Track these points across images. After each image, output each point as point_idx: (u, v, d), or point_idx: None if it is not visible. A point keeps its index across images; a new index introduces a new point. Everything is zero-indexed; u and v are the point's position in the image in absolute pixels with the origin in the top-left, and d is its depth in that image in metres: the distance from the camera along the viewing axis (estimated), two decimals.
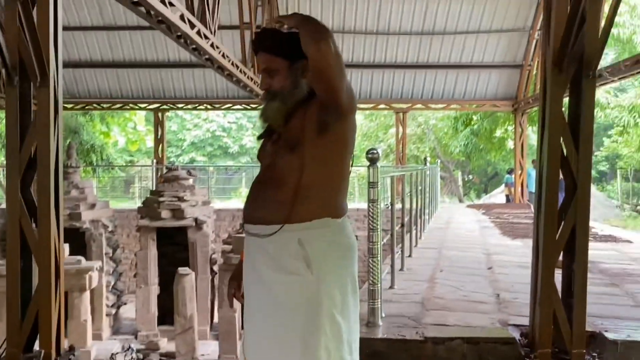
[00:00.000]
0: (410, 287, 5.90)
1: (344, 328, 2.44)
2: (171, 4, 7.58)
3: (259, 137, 2.62)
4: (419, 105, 20.15)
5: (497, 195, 26.86)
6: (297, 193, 2.43)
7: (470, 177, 37.05)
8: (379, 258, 4.41)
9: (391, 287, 5.77)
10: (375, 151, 4.34)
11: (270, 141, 2.56)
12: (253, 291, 2.53)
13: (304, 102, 2.50)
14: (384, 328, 4.34)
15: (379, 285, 4.41)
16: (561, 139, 3.99)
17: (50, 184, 4.29)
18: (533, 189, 17.75)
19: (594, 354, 4.19)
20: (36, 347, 4.31)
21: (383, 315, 4.56)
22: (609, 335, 4.29)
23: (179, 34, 8.64)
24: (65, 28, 16.48)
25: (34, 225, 4.32)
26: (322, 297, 2.41)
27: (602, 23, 4.00)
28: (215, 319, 13.29)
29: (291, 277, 2.41)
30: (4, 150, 15.77)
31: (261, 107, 2.58)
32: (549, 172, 4.01)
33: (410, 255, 7.70)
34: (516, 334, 4.32)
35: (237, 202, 24.73)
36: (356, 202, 21.23)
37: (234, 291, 2.74)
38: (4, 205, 13.08)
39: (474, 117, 24.17)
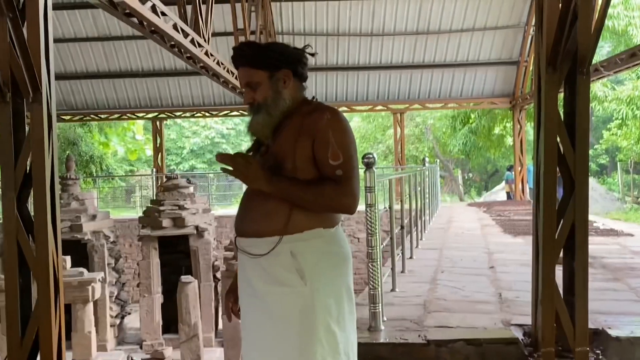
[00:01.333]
0: (412, 289, 5.87)
1: (340, 338, 2.42)
2: (163, 14, 7.57)
3: (247, 151, 2.60)
4: (416, 105, 20.13)
5: (498, 193, 26.82)
6: (288, 206, 2.41)
7: (470, 175, 37.03)
8: (378, 262, 4.39)
9: (392, 289, 5.74)
10: (371, 156, 4.32)
11: (259, 154, 2.54)
12: (248, 304, 2.51)
13: (290, 113, 2.49)
14: (386, 332, 4.31)
15: (379, 289, 4.38)
16: (557, 137, 3.96)
17: (47, 200, 4.27)
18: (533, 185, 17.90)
19: (598, 351, 4.16)
20: None
21: (385, 319, 4.53)
22: (612, 332, 4.26)
23: (172, 43, 8.64)
24: (59, 40, 16.61)
25: (31, 241, 4.30)
26: (317, 308, 2.38)
27: (595, 19, 3.97)
28: (220, 326, 13.27)
29: (285, 289, 2.39)
30: None
31: (247, 121, 2.57)
32: (546, 170, 3.99)
33: (411, 257, 7.67)
34: (519, 334, 4.29)
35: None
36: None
37: (231, 305, 2.72)
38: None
39: (472, 115, 24.15)
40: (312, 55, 2.61)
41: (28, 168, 4.30)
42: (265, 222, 2.43)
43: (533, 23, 17.17)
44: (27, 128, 4.37)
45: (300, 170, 2.40)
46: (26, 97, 4.29)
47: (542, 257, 4.00)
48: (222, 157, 2.39)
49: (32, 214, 4.34)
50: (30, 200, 4.37)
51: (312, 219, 2.43)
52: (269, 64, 2.47)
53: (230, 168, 2.39)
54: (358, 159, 2.52)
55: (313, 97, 2.57)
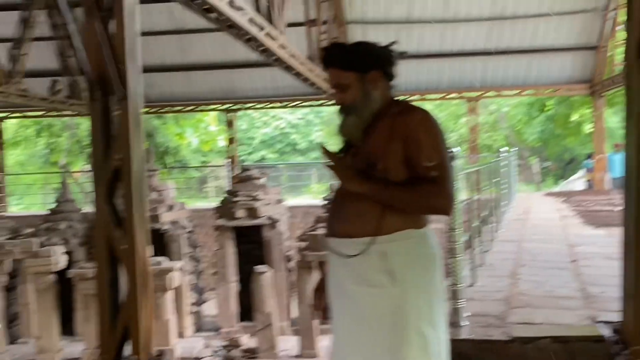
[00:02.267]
0: (492, 283, 5.80)
1: (431, 339, 2.43)
2: (240, 8, 7.68)
3: (338, 152, 2.63)
4: (491, 93, 19.78)
5: (576, 182, 26.14)
6: (380, 207, 2.42)
7: (547, 163, 36.14)
8: (460, 257, 4.37)
9: (472, 284, 5.69)
10: (451, 151, 4.30)
11: (350, 155, 2.56)
12: (339, 304, 2.54)
13: (380, 114, 2.50)
14: (469, 328, 4.29)
15: (460, 284, 4.36)
16: None
17: (135, 193, 4.42)
18: (615, 174, 17.29)
19: None
20: (127, 353, 4.45)
21: (467, 314, 4.51)
22: None
23: (248, 37, 8.75)
24: None
25: (120, 233, 4.47)
26: (408, 309, 2.40)
27: None
28: (293, 315, 13.42)
29: (375, 290, 2.42)
30: (89, 160, 16.28)
31: (338, 123, 2.59)
32: (638, 162, 3.87)
33: (489, 250, 7.57)
34: (606, 331, 4.20)
35: (309, 198, 24.87)
36: None
37: (319, 302, 2.76)
38: (86, 210, 13.59)
39: (549, 103, 23.60)
40: (403, 55, 2.61)
41: (117, 164, 4.47)
42: (357, 223, 2.45)
43: (612, 7, 16.64)
44: (115, 126, 4.55)
45: (391, 171, 2.42)
46: (114, 95, 4.46)
47: (633, 253, 3.90)
48: (325, 152, 2.44)
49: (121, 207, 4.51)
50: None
51: (403, 220, 2.44)
52: (359, 65, 2.49)
53: (330, 163, 2.44)
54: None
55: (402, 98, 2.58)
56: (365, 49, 2.53)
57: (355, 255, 2.43)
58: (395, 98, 2.59)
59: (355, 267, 2.45)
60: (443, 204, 2.41)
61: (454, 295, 4.31)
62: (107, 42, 4.25)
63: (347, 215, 2.49)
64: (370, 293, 2.42)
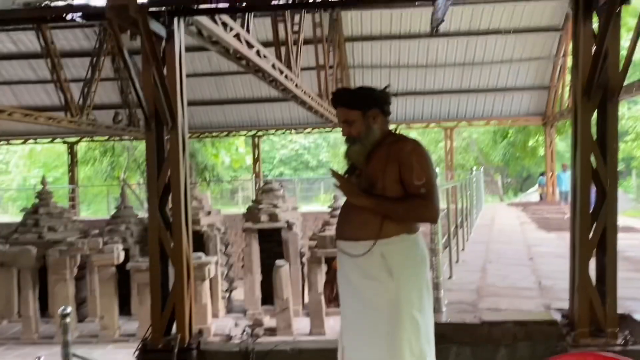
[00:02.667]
0: (466, 276, 5.79)
1: (421, 323, 2.42)
2: (265, 56, 7.72)
3: (344, 173, 2.64)
4: (463, 123, 19.74)
5: (531, 194, 26.00)
6: (380, 217, 2.43)
7: (509, 179, 35.98)
8: (439, 257, 4.35)
9: (450, 277, 5.68)
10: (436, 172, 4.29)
11: (355, 176, 2.57)
12: (346, 295, 2.54)
13: (379, 143, 2.51)
14: (447, 313, 4.27)
15: (441, 278, 4.34)
16: (592, 155, 3.84)
17: (181, 204, 4.42)
18: (562, 189, 17.20)
19: (626, 333, 3.99)
20: (173, 331, 4.44)
21: (446, 302, 4.49)
22: (637, 316, 4.09)
23: (271, 79, 8.78)
24: None
25: (169, 235, 4.46)
26: (402, 299, 2.40)
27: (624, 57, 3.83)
28: (305, 300, 13.35)
29: (376, 283, 2.42)
30: (143, 176, 16.30)
31: (345, 150, 2.61)
32: (582, 183, 3.87)
33: (463, 249, 7.55)
34: (557, 316, 4.17)
35: (318, 206, 24.81)
36: None
37: (329, 292, 2.79)
38: (140, 215, 13.62)
39: (510, 131, 23.54)
40: (395, 95, 2.63)
41: (167, 180, 4.47)
42: (362, 229, 2.46)
43: (561, 54, 16.63)
44: (166, 149, 4.56)
45: (388, 189, 2.43)
46: (166, 126, 4.46)
47: (579, 253, 3.88)
48: (334, 174, 2.45)
49: (169, 214, 4.51)
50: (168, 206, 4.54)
51: (399, 227, 2.45)
52: (362, 105, 2.51)
53: (338, 183, 2.45)
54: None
55: (396, 129, 2.59)
56: (367, 92, 2.55)
57: (360, 255, 2.45)
58: (391, 129, 2.60)
59: (360, 264, 2.46)
60: (431, 215, 2.43)
61: (437, 287, 4.29)
62: (160, 83, 4.27)
63: (353, 222, 2.51)
64: (372, 285, 2.43)
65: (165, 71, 4.34)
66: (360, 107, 2.51)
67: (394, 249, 2.43)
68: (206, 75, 18.08)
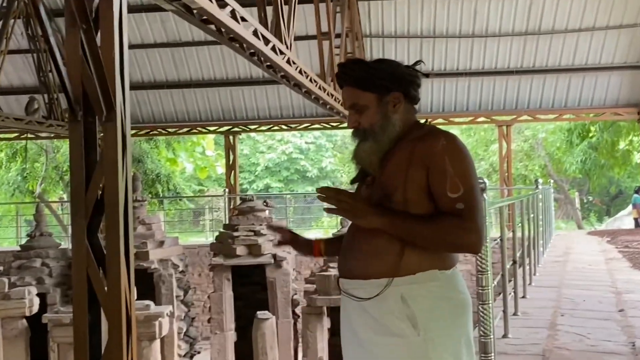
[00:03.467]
0: (527, 335, 5.77)
1: None
2: (243, 19, 7.73)
3: (352, 182, 2.63)
4: (525, 117, 19.78)
5: (624, 219, 26.05)
6: (400, 243, 2.40)
7: (590, 198, 36.03)
8: (490, 305, 4.33)
9: (504, 335, 5.65)
10: (481, 181, 4.28)
11: (365, 185, 2.55)
12: (352, 355, 2.52)
13: (400, 139, 2.50)
14: None
15: (492, 336, 4.31)
16: None
17: (120, 230, 4.39)
18: None
19: None
20: None
21: None
22: None
23: (252, 51, 8.79)
24: None
25: (102, 273, 4.44)
26: None
27: None
28: None
29: (395, 340, 2.39)
30: (67, 189, 16.29)
31: (352, 149, 2.59)
32: None
33: (524, 297, 7.54)
34: None
35: (319, 233, 24.84)
36: None
37: (284, 236, 2.85)
38: (64, 245, 13.60)
39: (592, 128, 23.59)
40: (427, 76, 2.62)
41: (100, 193, 4.45)
42: (373, 262, 2.43)
43: None
44: (98, 149, 4.54)
45: (412, 203, 2.40)
46: (99, 116, 4.45)
47: None
48: (324, 192, 2.40)
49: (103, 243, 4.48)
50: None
51: (426, 259, 2.42)
52: (379, 85, 2.49)
53: (333, 206, 2.41)
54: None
55: (426, 121, 2.58)
56: (387, 67, 2.53)
57: (370, 298, 2.42)
58: (418, 121, 2.58)
59: (371, 312, 2.42)
60: (471, 241, 2.38)
61: (484, 349, 4.27)
62: (91, 55, 4.26)
63: (361, 252, 2.47)
64: (387, 342, 2.39)
65: (98, 39, 4.34)
66: (375, 88, 2.49)
67: (419, 291, 2.40)
68: (159, 47, 18.17)
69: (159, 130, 20.53)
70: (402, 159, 2.44)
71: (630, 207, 23.53)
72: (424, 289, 2.41)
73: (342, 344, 2.60)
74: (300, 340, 13.07)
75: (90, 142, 4.50)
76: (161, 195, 24.16)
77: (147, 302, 10.74)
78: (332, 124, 20.06)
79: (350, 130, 2.59)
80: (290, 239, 2.89)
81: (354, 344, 2.50)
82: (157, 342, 10.87)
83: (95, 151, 4.53)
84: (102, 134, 4.48)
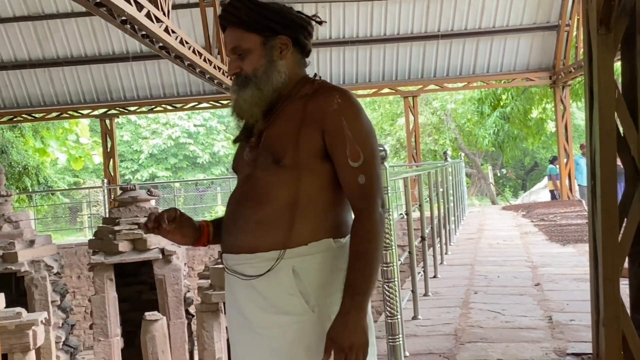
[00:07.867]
0: (439, 315, 5.88)
1: None
2: None
3: (234, 141, 2.58)
4: (432, 86, 20.16)
5: (539, 192, 26.93)
6: (290, 211, 2.38)
7: (504, 171, 37.12)
8: (396, 282, 4.38)
9: (414, 317, 5.75)
10: (382, 148, 4.32)
11: (248, 146, 2.52)
12: (240, 339, 2.48)
13: (287, 94, 2.48)
14: None
15: (399, 316, 4.37)
16: (615, 115, 3.97)
17: None
18: (583, 182, 17.89)
19: None
20: None
21: (407, 354, 4.53)
22: None
23: (123, 18, 8.63)
24: None
25: None
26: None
27: None
28: None
29: (287, 318, 2.36)
30: None
31: (232, 99, 2.55)
32: (604, 158, 3.98)
33: (435, 276, 7.69)
34: None
35: None
36: None
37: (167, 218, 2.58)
38: None
39: (503, 97, 24.18)
40: (320, 23, 2.60)
41: None
42: (261, 233, 2.39)
43: None
44: None
45: (304, 168, 2.37)
46: None
47: (603, 268, 4.00)
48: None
49: None
50: None
51: (320, 227, 2.40)
52: (265, 26, 2.46)
53: None
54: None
55: (315, 75, 2.56)
56: (275, 8, 2.49)
57: (259, 275, 2.38)
58: (308, 75, 2.56)
59: (259, 289, 2.39)
60: (381, 225, 2.39)
61: (391, 330, 4.31)
62: None
63: (248, 222, 2.41)
64: (279, 322, 2.36)
65: None
66: (261, 30, 2.46)
67: (311, 263, 2.37)
68: (19, 20, 17.67)
69: (23, 116, 19.92)
70: (292, 117, 2.41)
71: (545, 179, 24.28)
72: (316, 260, 2.38)
73: (228, 328, 2.56)
74: (195, 341, 13.01)
75: None
76: (30, 190, 23.52)
77: (18, 309, 10.48)
78: (222, 102, 19.84)
79: (232, 78, 2.54)
80: (173, 219, 2.56)
81: (242, 327, 2.46)
82: (32, 354, 10.63)
83: None
84: None
